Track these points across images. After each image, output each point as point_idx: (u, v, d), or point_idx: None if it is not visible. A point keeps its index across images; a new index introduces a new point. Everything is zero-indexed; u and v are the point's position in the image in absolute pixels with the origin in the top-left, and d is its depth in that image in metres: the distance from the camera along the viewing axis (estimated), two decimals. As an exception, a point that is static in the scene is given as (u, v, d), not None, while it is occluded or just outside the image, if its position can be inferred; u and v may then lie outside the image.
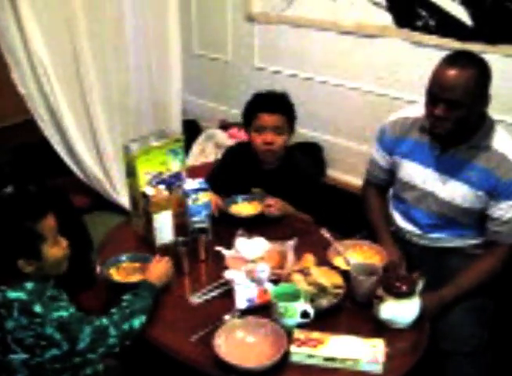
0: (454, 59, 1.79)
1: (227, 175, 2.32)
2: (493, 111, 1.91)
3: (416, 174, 1.98)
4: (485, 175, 1.84)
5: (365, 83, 3.02)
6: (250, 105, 2.26)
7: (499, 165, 1.82)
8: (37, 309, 1.43)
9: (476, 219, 1.94)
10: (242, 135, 3.42)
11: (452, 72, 1.74)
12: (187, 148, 3.21)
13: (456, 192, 1.90)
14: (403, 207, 2.08)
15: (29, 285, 1.47)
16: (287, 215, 2.19)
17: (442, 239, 2.01)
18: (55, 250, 1.53)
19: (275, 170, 2.28)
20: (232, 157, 2.41)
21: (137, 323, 1.57)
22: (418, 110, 1.95)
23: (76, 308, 1.57)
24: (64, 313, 1.46)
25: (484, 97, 1.80)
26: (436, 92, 1.77)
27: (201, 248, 1.93)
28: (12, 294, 1.44)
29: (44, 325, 1.42)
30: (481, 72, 1.76)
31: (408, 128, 1.99)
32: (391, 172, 2.11)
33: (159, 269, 1.78)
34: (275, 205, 2.13)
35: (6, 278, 1.48)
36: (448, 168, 1.90)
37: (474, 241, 2.00)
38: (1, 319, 1.43)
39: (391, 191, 2.18)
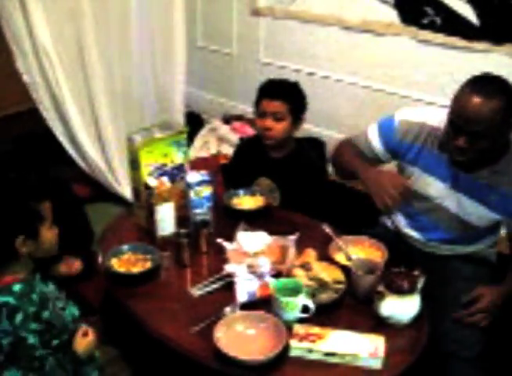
0: (479, 85, 1.66)
1: (239, 165, 2.38)
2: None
3: (432, 188, 1.90)
4: (507, 199, 1.78)
5: (369, 79, 3.02)
6: (258, 91, 2.30)
7: None
8: (18, 318, 1.43)
9: (487, 230, 1.92)
10: (245, 129, 3.42)
11: (477, 102, 1.62)
12: (189, 141, 3.22)
13: (472, 211, 1.85)
14: (410, 212, 2.01)
15: (17, 287, 1.46)
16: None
17: (447, 248, 1.99)
18: (50, 233, 1.57)
19: (282, 159, 2.31)
20: (243, 147, 2.49)
21: None
22: (435, 118, 1.84)
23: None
24: (31, 339, 1.45)
25: (510, 127, 1.70)
26: (459, 123, 1.67)
27: (203, 241, 1.93)
28: (2, 298, 1.44)
29: (8, 335, 1.42)
30: (508, 100, 1.65)
31: (424, 137, 1.87)
32: (379, 161, 2.02)
33: (84, 345, 1.60)
34: None
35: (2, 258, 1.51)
36: (468, 189, 1.83)
37: (479, 248, 1.98)
38: None
39: None
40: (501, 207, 1.81)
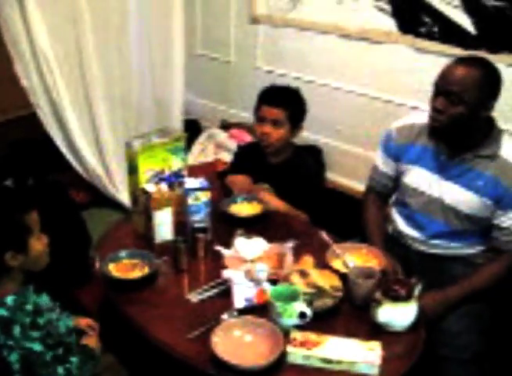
0: (466, 58, 1.84)
1: (238, 171, 2.39)
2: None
3: (423, 179, 1.97)
4: (493, 183, 1.84)
5: (366, 88, 3.03)
6: (258, 96, 2.32)
7: (507, 174, 1.82)
8: (16, 331, 1.42)
9: (481, 228, 1.94)
10: (242, 136, 3.43)
11: (457, 68, 1.78)
12: (187, 147, 3.23)
13: (462, 199, 1.89)
14: (407, 213, 2.07)
15: (9, 299, 1.46)
16: (284, 212, 2.21)
17: (445, 246, 2.00)
18: (39, 244, 1.55)
19: (280, 165, 2.32)
20: (241, 153, 2.51)
21: None
22: (424, 117, 1.94)
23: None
24: (36, 347, 1.45)
25: (486, 101, 1.79)
26: (438, 84, 1.82)
27: (200, 247, 1.93)
28: None
29: (12, 350, 1.42)
30: (487, 75, 1.78)
31: (415, 134, 1.99)
32: (395, 179, 2.10)
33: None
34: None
35: None
36: (455, 175, 1.90)
37: (476, 250, 2.00)
38: None
39: (394, 197, 2.17)
40: (486, 191, 1.85)
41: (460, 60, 1.82)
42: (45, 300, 1.57)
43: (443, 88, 1.79)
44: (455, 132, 1.85)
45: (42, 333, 1.47)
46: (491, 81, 1.79)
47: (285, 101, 2.25)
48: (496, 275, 1.89)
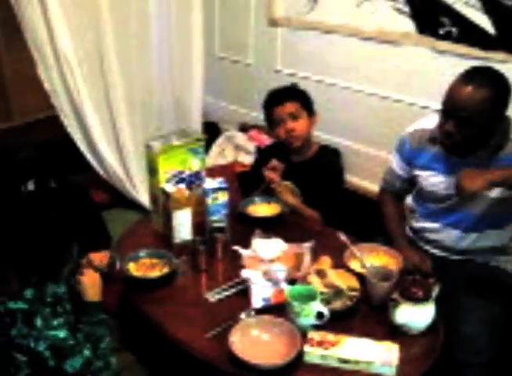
0: (472, 75, 1.75)
1: (259, 171, 2.39)
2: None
3: (437, 183, 1.97)
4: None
5: (385, 89, 3.02)
6: (264, 106, 2.40)
7: None
8: (38, 322, 1.46)
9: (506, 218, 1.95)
10: (261, 138, 3.44)
11: (466, 90, 1.71)
12: (206, 149, 3.25)
13: (476, 201, 1.88)
14: (433, 217, 2.05)
15: (28, 293, 1.50)
16: (296, 209, 2.22)
17: (466, 237, 1.99)
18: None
19: (302, 163, 2.36)
20: (263, 153, 2.54)
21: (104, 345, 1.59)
22: (432, 122, 1.94)
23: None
24: (60, 334, 1.49)
25: (499, 116, 1.76)
26: (448, 108, 1.78)
27: (219, 247, 1.95)
28: (14, 305, 1.47)
29: (38, 340, 1.45)
30: (498, 92, 1.72)
31: (426, 139, 1.99)
32: (409, 182, 2.12)
33: (87, 288, 1.69)
34: (277, 171, 2.23)
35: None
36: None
37: (500, 239, 2.00)
38: (7, 327, 1.46)
39: (410, 198, 2.18)
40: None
41: (467, 78, 1.74)
42: (63, 290, 1.60)
43: (452, 112, 1.76)
44: (470, 146, 1.83)
45: (64, 319, 1.51)
46: (501, 95, 1.74)
47: (291, 94, 2.35)
48: None
